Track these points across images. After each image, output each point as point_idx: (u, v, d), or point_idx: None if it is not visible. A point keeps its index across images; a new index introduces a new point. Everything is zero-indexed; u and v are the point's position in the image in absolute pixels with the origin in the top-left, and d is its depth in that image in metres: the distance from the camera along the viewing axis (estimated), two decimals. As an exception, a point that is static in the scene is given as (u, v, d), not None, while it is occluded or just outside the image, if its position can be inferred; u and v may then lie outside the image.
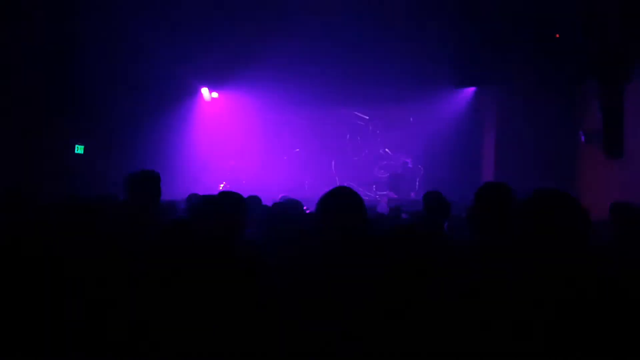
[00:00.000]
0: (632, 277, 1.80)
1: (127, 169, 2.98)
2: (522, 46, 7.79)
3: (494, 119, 8.69)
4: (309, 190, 10.42)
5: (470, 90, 9.50)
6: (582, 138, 7.32)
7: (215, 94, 10.34)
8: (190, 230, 1.93)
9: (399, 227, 1.79)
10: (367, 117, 11.21)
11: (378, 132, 11.12)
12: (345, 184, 7.05)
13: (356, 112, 11.20)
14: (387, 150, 11.01)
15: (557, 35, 7.15)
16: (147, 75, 8.14)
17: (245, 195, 3.47)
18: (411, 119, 10.63)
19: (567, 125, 7.95)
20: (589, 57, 6.58)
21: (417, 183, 10.04)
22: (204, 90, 10.17)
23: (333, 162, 11.16)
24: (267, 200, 5.01)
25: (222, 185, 9.47)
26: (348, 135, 11.26)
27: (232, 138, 10.54)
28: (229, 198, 2.27)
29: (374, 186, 10.63)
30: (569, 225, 1.76)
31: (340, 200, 2.04)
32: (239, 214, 2.22)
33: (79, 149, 7.72)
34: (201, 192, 4.12)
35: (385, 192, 9.84)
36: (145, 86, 8.16)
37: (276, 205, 3.34)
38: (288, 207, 3.50)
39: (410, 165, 9.84)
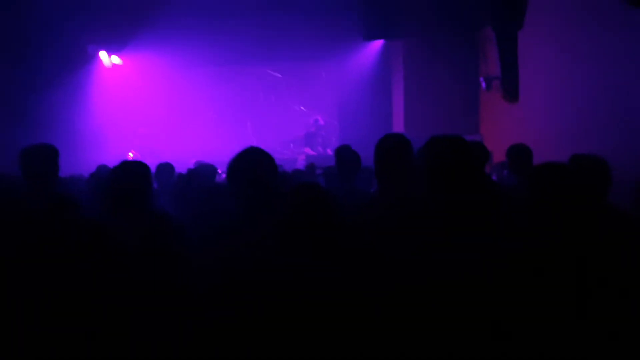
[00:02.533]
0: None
1: (16, 144, 2.75)
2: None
3: (402, 72, 8.92)
4: (224, 153, 10.22)
5: (379, 43, 9.62)
6: (483, 85, 7.72)
7: (115, 58, 9.67)
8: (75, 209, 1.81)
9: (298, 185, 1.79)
10: (280, 75, 11.06)
11: (292, 89, 11.05)
12: (262, 144, 6.97)
13: (268, 70, 11.01)
14: (302, 107, 11.00)
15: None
16: (35, 39, 7.42)
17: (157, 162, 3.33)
18: (323, 75, 10.64)
19: (469, 72, 8.34)
20: (485, 5, 6.87)
21: (333, 138, 10.18)
22: (103, 55, 9.47)
23: (249, 123, 10.99)
24: (182, 166, 4.87)
25: (130, 154, 9.04)
26: (262, 95, 11.09)
27: (140, 104, 10.00)
28: (126, 168, 2.16)
29: (292, 144, 10.64)
30: (469, 166, 1.85)
31: (249, 162, 2.01)
32: (138, 184, 2.12)
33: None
34: (112, 164, 3.92)
35: (302, 150, 9.89)
36: (33, 52, 7.44)
37: (187, 173, 3.26)
38: (200, 174, 3.43)
39: (321, 122, 9.92)
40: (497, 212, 1.92)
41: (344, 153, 3.55)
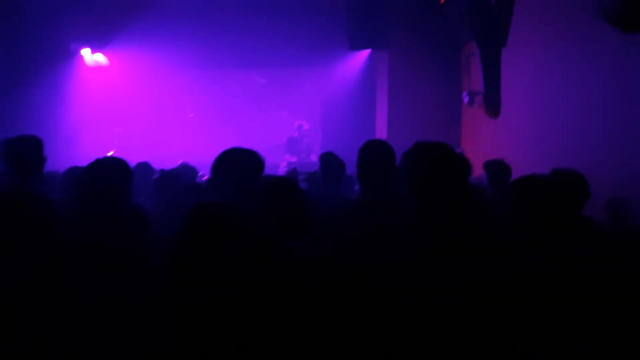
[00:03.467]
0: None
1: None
2: (408, 11, 8.08)
3: (386, 82, 8.99)
4: (205, 156, 10.14)
5: (365, 53, 9.69)
6: (466, 99, 7.81)
7: (98, 56, 9.53)
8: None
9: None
10: (265, 81, 11.04)
11: (276, 96, 11.03)
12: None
13: (253, 75, 10.98)
14: (285, 114, 10.99)
15: (442, 1, 7.47)
16: (17, 35, 7.28)
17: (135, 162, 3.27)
18: (308, 82, 10.65)
19: (452, 86, 8.45)
20: (470, 22, 6.98)
21: (317, 145, 10.17)
22: (85, 52, 9.33)
23: (231, 127, 10.92)
24: (161, 167, 4.79)
25: (110, 153, 8.89)
26: (245, 100, 11.05)
27: (121, 103, 9.85)
28: (102, 165, 2.11)
29: (274, 150, 10.60)
30: (453, 173, 1.83)
31: (235, 157, 1.99)
32: (123, 180, 2.07)
33: None
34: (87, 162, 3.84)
35: (284, 156, 9.86)
36: (14, 49, 7.28)
37: (166, 173, 3.20)
38: (180, 175, 3.38)
39: (305, 128, 9.91)
40: (480, 220, 1.92)
41: (329, 159, 3.55)
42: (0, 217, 1.44)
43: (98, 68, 9.57)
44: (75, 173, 4.00)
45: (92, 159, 3.00)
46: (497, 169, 4.11)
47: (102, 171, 2.03)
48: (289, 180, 1.74)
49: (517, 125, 6.48)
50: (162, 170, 3.14)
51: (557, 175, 2.50)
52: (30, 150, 2.50)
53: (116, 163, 2.13)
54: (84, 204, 1.96)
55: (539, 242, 1.81)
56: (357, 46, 9.22)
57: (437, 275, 1.59)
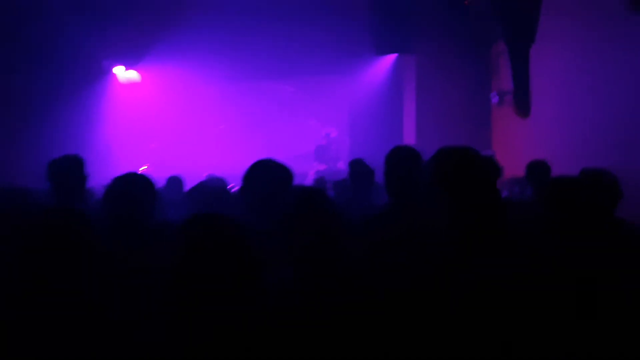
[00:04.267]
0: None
1: (29, 158, 2.80)
2: (433, 13, 8.02)
3: (414, 86, 8.94)
4: (236, 167, 10.28)
5: (391, 58, 9.66)
6: (495, 100, 7.69)
7: (130, 72, 9.82)
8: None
9: None
10: (292, 89, 11.13)
11: (304, 104, 11.10)
12: (273, 158, 6.95)
13: (281, 85, 11.09)
14: (313, 121, 11.04)
15: (466, 2, 7.40)
16: (50, 54, 7.55)
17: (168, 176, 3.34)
18: (335, 88, 10.69)
19: (482, 88, 8.33)
20: (497, 20, 6.88)
21: (344, 153, 10.17)
22: (118, 69, 9.63)
23: (260, 137, 11.04)
24: (194, 180, 4.90)
25: (143, 168, 9.12)
26: (274, 109, 11.15)
27: (153, 119, 10.10)
28: (127, 181, 2.17)
29: (302, 159, 10.66)
30: (478, 178, 1.80)
31: (264, 172, 2.02)
32: (143, 196, 2.12)
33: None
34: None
35: (312, 164, 9.89)
36: (48, 66, 7.55)
37: (197, 186, 3.27)
38: (209, 187, 3.44)
39: (333, 135, 9.93)
40: (506, 228, 1.88)
41: (358, 166, 3.55)
42: (47, 234, 1.55)
43: (131, 85, 9.85)
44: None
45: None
46: (537, 169, 4.10)
47: (119, 188, 2.09)
48: (317, 191, 1.73)
49: (547, 124, 6.34)
50: (194, 186, 3.21)
51: (586, 175, 2.45)
52: (73, 169, 2.61)
53: (135, 179, 2.18)
54: (111, 219, 2.03)
55: (568, 244, 1.77)
56: (383, 51, 9.21)
57: (468, 276, 1.58)
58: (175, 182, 4.32)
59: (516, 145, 7.21)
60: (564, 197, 2.01)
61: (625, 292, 1.55)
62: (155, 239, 1.87)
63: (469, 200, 1.76)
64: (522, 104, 6.87)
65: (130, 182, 2.13)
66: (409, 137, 9.05)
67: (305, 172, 9.51)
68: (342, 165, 9.15)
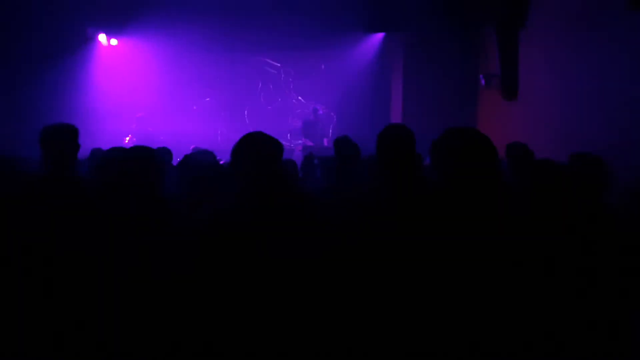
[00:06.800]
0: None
1: (14, 124, 2.77)
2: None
3: (401, 65, 8.93)
4: (221, 141, 10.21)
5: (379, 36, 9.61)
6: (482, 82, 7.74)
7: (114, 41, 9.59)
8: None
9: None
10: (279, 65, 11.02)
11: (290, 80, 11.01)
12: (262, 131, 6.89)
13: (267, 60, 10.96)
14: (299, 98, 10.97)
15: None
16: (34, 20, 7.34)
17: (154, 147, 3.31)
18: (322, 66, 10.61)
19: (469, 70, 8.36)
20: (488, 4, 6.88)
21: (330, 130, 10.17)
22: (102, 37, 9.38)
23: (246, 112, 10.96)
24: (178, 152, 4.86)
25: (127, 138, 8.99)
26: (260, 84, 11.05)
27: (138, 89, 9.92)
28: (139, 153, 2.17)
29: (289, 134, 10.63)
30: (483, 161, 1.82)
31: (254, 143, 2.02)
32: (152, 170, 2.14)
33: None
34: (105, 147, 3.92)
35: (300, 141, 9.88)
36: (31, 33, 7.35)
37: (186, 157, 3.24)
38: (201, 161, 3.41)
39: (320, 112, 9.91)
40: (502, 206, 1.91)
41: (344, 144, 3.56)
42: (43, 200, 1.59)
43: (114, 54, 9.62)
44: (98, 155, 4.08)
45: (110, 143, 3.08)
46: (518, 152, 4.00)
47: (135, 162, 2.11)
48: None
49: (534, 108, 6.42)
50: (184, 157, 3.18)
51: (575, 159, 2.50)
52: (67, 138, 2.60)
53: (145, 154, 2.21)
54: (112, 187, 2.04)
55: (552, 227, 1.83)
56: (371, 29, 9.15)
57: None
58: (163, 153, 4.28)
59: (502, 128, 7.29)
60: (547, 180, 2.06)
61: (610, 272, 1.62)
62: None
63: (478, 180, 1.77)
64: (509, 87, 6.93)
65: (140, 157, 2.16)
66: (396, 116, 9.08)
67: (291, 148, 9.51)
68: (327, 143, 9.15)
